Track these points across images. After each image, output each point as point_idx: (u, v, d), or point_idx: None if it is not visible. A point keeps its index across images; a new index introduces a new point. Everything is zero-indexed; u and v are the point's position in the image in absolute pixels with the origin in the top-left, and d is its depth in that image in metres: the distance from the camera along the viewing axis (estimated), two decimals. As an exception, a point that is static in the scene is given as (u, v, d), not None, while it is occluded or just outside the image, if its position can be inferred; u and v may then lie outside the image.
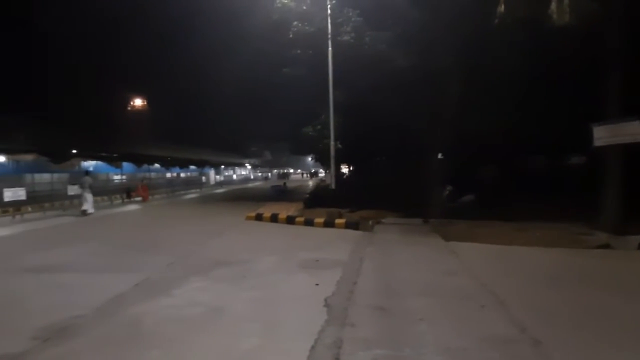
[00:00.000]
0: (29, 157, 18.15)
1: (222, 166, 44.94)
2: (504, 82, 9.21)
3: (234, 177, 47.23)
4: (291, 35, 13.27)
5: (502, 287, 4.35)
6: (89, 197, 12.43)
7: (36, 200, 14.49)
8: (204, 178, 34.06)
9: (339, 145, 12.80)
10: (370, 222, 8.72)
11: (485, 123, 9.77)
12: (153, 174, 29.31)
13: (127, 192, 19.30)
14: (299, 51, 13.63)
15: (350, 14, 12.70)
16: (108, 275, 5.09)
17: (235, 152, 52.99)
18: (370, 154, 15.00)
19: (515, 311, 3.62)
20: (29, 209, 13.31)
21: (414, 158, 12.42)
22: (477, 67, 9.80)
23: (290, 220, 9.47)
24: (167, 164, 31.56)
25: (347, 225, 8.58)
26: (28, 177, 18.04)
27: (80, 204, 12.30)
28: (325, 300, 3.99)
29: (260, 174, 58.38)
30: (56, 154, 19.89)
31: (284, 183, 25.99)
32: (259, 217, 10.13)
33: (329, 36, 12.07)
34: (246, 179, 48.64)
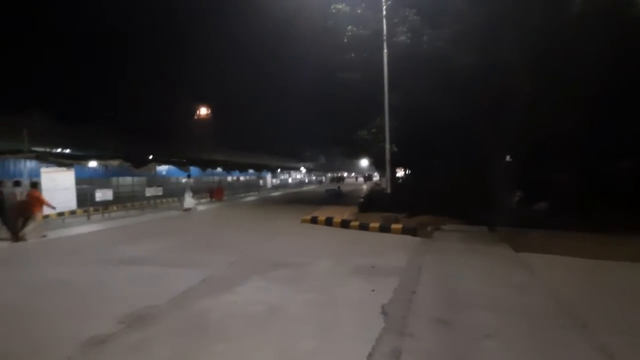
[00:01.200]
0: (115, 163, 20.65)
1: (278, 170, 46.58)
2: (582, 75, 8.24)
3: (290, 180, 48.62)
4: (345, 40, 13.35)
5: (585, 306, 3.87)
6: (187, 195, 15.18)
7: (120, 200, 16.41)
8: (261, 181, 35.56)
9: (395, 149, 12.52)
10: (429, 229, 8.36)
11: (561, 122, 8.82)
12: (216, 177, 31.42)
13: (210, 193, 21.35)
14: (353, 55, 13.66)
15: (407, 13, 12.40)
16: (178, 269, 5.55)
17: (291, 157, 54.73)
18: (428, 156, 14.41)
19: (600, 334, 3.19)
20: (115, 208, 15.12)
21: (477, 160, 11.65)
22: (549, 61, 8.91)
23: (345, 224, 9.47)
24: (228, 167, 33.61)
25: (404, 231, 8.33)
26: (114, 180, 20.54)
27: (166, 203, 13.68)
28: (382, 307, 3.91)
29: (314, 178, 59.37)
30: (136, 160, 22.41)
31: (339, 187, 26.08)
32: (314, 221, 10.29)
33: (384, 38, 11.91)
34: (301, 183, 49.77)
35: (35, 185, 9.60)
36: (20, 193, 8.88)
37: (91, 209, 13.23)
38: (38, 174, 13.65)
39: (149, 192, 17.92)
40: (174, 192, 20.60)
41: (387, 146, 12.03)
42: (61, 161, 16.48)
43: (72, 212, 13.27)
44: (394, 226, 8.62)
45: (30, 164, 17.53)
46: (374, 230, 8.75)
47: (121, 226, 10.83)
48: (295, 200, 20.90)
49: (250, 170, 38.44)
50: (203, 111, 53.09)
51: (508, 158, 12.39)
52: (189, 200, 15.16)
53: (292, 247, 7.33)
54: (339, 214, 11.12)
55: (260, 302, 4.13)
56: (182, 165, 27.85)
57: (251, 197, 24.47)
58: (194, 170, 29.33)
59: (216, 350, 3.06)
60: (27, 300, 4.32)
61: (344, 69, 13.94)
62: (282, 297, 4.31)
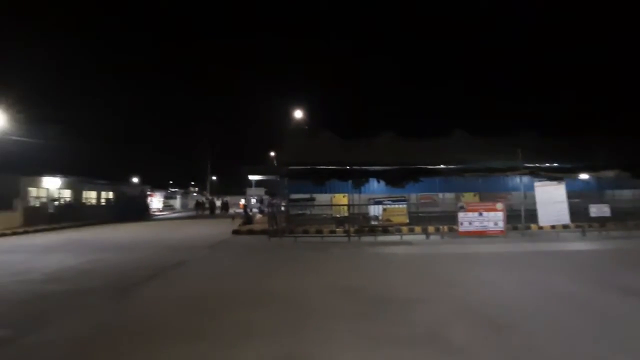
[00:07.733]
0: (609, 174, 18.09)
1: None
2: None
3: None
4: None
5: None
6: None
7: (618, 217, 14.03)
8: None
9: None
10: None
11: None
12: None
13: None
14: None
15: None
16: None
17: None
18: None
19: None
20: (613, 225, 13.18)
21: None
22: None
23: None
24: None
25: None
26: (609, 193, 18.14)
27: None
28: None
29: None
30: (636, 169, 18.25)
31: None
32: None
33: None
34: None
35: None
36: None
37: (585, 224, 12.49)
38: (531, 188, 15.05)
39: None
40: None
41: None
42: (551, 175, 17.03)
43: (565, 227, 13.19)
44: None
45: (524, 179, 19.74)
46: None
47: (621, 248, 9.18)
48: None
49: None
50: None
51: None
52: None
53: None
54: None
55: None
56: None
57: None
58: None
59: None
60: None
61: None
62: None
